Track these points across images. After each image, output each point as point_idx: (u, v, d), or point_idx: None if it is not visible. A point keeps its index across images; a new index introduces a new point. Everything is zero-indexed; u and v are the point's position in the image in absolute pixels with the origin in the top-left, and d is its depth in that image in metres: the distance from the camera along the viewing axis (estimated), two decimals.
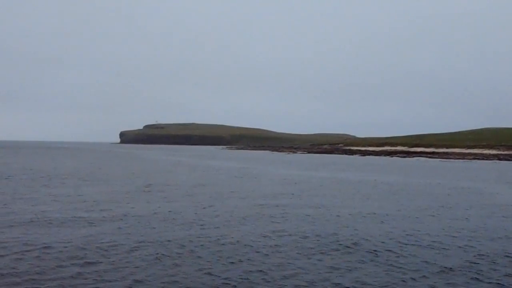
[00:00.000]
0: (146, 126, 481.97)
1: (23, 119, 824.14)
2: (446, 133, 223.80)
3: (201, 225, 16.33)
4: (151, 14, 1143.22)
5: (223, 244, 13.26)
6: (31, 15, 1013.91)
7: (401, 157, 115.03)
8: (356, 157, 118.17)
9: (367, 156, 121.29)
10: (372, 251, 12.72)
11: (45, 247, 12.40)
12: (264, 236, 14.45)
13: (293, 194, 27.00)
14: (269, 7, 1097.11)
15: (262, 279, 10.19)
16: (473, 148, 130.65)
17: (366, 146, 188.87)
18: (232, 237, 14.20)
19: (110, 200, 22.87)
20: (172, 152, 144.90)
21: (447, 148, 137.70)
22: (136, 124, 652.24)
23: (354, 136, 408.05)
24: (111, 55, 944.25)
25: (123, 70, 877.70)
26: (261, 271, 10.75)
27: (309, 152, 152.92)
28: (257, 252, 12.45)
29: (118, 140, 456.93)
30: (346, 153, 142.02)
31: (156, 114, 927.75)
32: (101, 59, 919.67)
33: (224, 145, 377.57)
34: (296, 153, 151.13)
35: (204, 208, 20.53)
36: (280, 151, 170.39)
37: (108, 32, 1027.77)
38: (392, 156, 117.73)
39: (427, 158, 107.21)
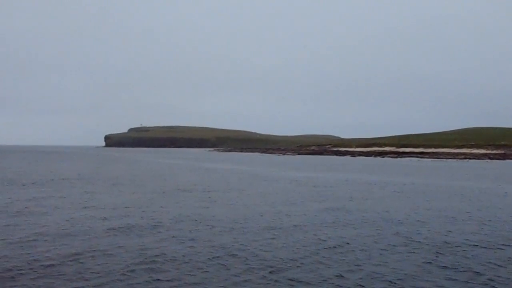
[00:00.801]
0: (131, 129, 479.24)
1: (3, 123, 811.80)
2: (431, 133, 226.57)
3: (332, 227, 16.66)
4: (136, 17, 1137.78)
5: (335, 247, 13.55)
6: (16, 18, 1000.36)
7: (393, 157, 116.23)
8: (347, 158, 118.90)
9: (358, 157, 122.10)
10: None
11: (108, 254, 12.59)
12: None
13: (351, 197, 26.49)
14: (254, 9, 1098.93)
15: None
16: (462, 148, 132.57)
17: (354, 147, 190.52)
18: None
19: (163, 203, 22.91)
20: (163, 155, 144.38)
21: (435, 148, 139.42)
22: (121, 127, 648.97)
23: (338, 137, 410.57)
24: (96, 59, 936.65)
25: (107, 73, 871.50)
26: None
27: (299, 154, 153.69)
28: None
29: (103, 143, 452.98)
30: (336, 154, 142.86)
31: (141, 117, 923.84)
32: (86, 63, 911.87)
33: (209, 147, 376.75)
34: (286, 154, 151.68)
35: (288, 215, 19.59)
36: (270, 153, 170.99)
37: (93, 35, 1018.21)
38: (383, 157, 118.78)
39: (419, 158, 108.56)
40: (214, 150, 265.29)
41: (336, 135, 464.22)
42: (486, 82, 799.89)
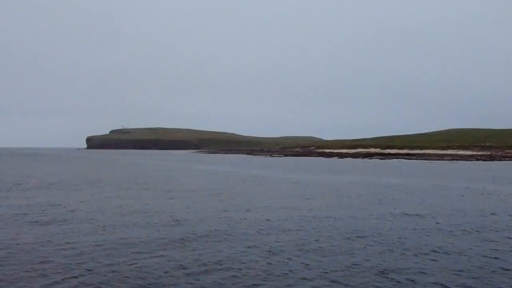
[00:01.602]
0: (113, 131, 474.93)
1: None
2: (414, 135, 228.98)
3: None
4: (117, 18, 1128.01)
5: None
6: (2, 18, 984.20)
7: (380, 159, 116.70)
8: (335, 159, 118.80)
9: (345, 159, 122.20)
10: None
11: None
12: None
13: (380, 200, 25.93)
14: (237, 9, 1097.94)
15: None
16: (447, 149, 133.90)
17: (339, 148, 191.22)
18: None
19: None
20: (150, 157, 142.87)
21: (420, 149, 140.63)
22: (102, 129, 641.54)
23: (320, 139, 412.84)
24: (78, 59, 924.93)
25: (88, 74, 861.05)
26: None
27: (285, 155, 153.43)
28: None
29: (85, 145, 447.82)
30: (322, 156, 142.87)
31: (121, 119, 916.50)
32: (67, 64, 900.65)
33: (192, 149, 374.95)
34: (272, 156, 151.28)
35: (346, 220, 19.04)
36: (255, 155, 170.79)
37: (76, 35, 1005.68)
38: (370, 158, 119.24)
39: (406, 160, 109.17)
40: (198, 152, 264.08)
41: (318, 136, 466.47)
42: (468, 84, 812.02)
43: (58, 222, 17.74)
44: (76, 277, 10.53)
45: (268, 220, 18.53)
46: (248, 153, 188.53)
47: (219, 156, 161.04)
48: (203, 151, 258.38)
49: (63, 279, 10.38)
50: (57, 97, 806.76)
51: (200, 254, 12.68)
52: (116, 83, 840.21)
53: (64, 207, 22.32)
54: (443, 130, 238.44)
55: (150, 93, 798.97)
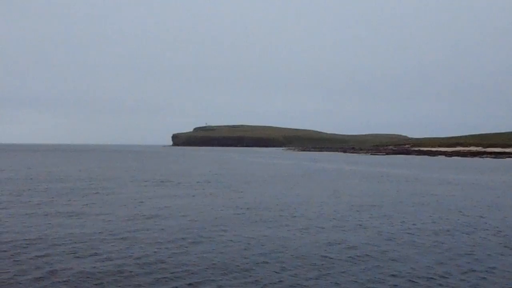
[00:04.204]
0: (197, 128, 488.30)
1: (70, 123, 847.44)
2: (507, 133, 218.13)
3: None
4: (203, 17, 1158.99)
5: None
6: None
7: (492, 157, 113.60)
8: (443, 158, 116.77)
9: (453, 157, 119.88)
10: None
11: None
12: None
13: None
14: (318, 8, 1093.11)
15: None
16: None
17: (436, 147, 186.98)
18: None
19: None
20: (250, 154, 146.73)
21: None
22: (185, 127, 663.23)
23: (405, 136, 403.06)
24: (162, 60, 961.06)
25: (172, 74, 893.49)
26: None
27: (387, 153, 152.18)
28: None
29: (170, 142, 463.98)
30: (427, 154, 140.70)
31: (205, 117, 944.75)
32: (154, 65, 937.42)
33: (277, 146, 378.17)
34: (376, 154, 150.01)
35: None
36: (352, 153, 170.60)
37: (159, 38, 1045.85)
38: (481, 157, 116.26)
39: None
40: (288, 149, 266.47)
41: (404, 134, 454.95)
42: None
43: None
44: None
45: None
46: (343, 151, 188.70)
47: (317, 154, 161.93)
48: (293, 149, 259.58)
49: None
50: (142, 95, 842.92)
51: None
52: (198, 81, 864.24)
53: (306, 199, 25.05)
54: None
55: (233, 91, 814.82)
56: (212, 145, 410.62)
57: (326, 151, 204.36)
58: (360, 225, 17.39)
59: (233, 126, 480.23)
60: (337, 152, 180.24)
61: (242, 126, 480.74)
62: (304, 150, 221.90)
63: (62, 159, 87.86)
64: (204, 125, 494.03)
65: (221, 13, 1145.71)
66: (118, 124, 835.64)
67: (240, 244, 13.83)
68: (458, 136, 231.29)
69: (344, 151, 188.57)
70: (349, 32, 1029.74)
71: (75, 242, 13.66)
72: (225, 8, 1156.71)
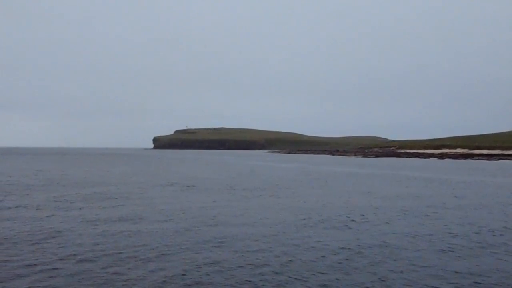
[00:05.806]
0: (177, 131, 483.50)
1: (48, 126, 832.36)
2: (489, 134, 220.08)
3: None
4: (185, 20, 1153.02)
5: None
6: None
7: (485, 159, 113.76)
8: (436, 160, 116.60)
9: (446, 160, 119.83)
10: None
11: None
12: None
13: None
14: (304, 11, 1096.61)
15: None
16: None
17: (422, 149, 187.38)
18: None
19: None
20: (242, 157, 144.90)
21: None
22: (166, 130, 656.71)
23: (386, 139, 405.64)
24: (140, 64, 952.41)
25: (153, 77, 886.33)
26: None
27: (376, 156, 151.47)
28: None
29: (151, 145, 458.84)
30: (417, 157, 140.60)
31: (185, 120, 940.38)
32: (131, 68, 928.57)
33: (259, 149, 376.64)
34: (366, 156, 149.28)
35: None
36: (340, 155, 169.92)
37: (138, 40, 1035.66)
38: (474, 159, 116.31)
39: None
40: (273, 152, 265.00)
41: (383, 136, 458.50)
42: None
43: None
44: None
45: None
46: (330, 154, 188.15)
47: (306, 156, 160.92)
48: (278, 152, 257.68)
49: None
50: (123, 98, 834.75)
51: None
52: (178, 84, 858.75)
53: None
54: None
55: (212, 94, 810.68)
56: (194, 148, 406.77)
57: (312, 153, 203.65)
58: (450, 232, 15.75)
59: (214, 129, 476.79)
60: (324, 155, 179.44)
61: (222, 128, 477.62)
62: (290, 153, 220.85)
63: (58, 163, 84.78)
64: (184, 128, 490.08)
65: (202, 16, 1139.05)
66: (97, 127, 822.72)
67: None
68: (441, 138, 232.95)
69: (331, 154, 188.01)
70: (325, 36, 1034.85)
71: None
72: (207, 11, 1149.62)
